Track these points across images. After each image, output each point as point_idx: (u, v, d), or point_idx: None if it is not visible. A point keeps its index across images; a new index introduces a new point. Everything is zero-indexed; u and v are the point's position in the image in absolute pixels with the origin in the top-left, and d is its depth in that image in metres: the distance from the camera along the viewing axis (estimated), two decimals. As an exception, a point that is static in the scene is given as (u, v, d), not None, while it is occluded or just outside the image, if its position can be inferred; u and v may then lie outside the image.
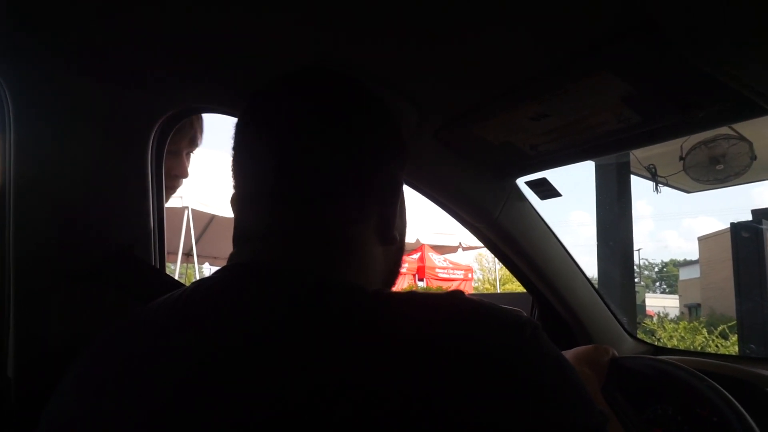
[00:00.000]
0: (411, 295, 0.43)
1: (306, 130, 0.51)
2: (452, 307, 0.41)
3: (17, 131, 0.70)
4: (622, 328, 1.39)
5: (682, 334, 5.77)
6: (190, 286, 0.49)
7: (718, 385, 0.77)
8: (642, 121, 0.81)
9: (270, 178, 0.51)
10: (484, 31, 0.62)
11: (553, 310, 1.33)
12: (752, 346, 3.72)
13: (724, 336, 5.39)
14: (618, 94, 0.73)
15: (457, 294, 0.43)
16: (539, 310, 1.41)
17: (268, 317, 0.41)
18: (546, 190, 1.17)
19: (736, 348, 4.69)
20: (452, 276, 9.54)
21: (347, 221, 0.52)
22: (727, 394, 0.75)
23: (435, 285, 8.63)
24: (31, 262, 0.70)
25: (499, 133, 0.91)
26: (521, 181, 1.18)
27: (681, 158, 3.61)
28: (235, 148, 0.55)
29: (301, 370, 0.36)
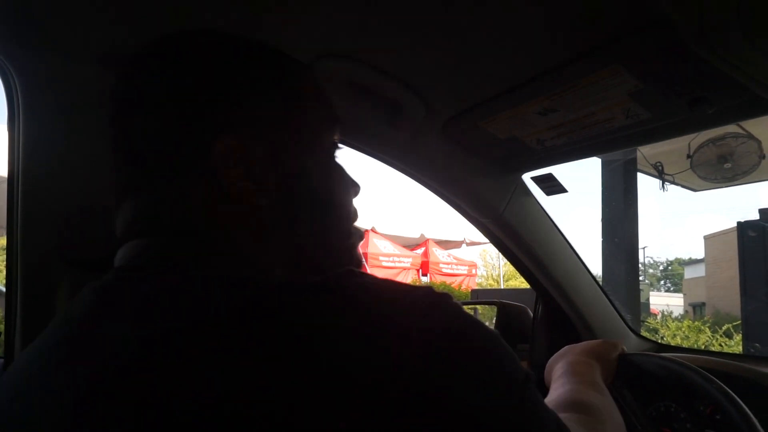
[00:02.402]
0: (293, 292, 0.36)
1: (141, 105, 0.48)
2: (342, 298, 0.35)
3: (26, 120, 0.70)
4: (625, 325, 1.39)
5: (686, 333, 5.74)
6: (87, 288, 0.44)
7: (721, 383, 0.77)
8: (650, 118, 0.80)
9: (115, 165, 0.48)
10: (495, 24, 0.61)
11: (557, 306, 1.33)
12: (756, 344, 3.71)
13: (728, 335, 5.36)
14: (627, 90, 0.73)
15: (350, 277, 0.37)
16: (543, 306, 1.41)
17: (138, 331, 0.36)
18: (552, 186, 1.16)
19: (740, 348, 4.67)
20: (456, 271, 9.55)
21: (205, 200, 0.45)
22: (731, 391, 0.75)
23: (439, 280, 8.64)
24: (39, 251, 0.71)
25: (505, 127, 0.91)
26: (527, 177, 1.18)
27: (688, 156, 3.59)
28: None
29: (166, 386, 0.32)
